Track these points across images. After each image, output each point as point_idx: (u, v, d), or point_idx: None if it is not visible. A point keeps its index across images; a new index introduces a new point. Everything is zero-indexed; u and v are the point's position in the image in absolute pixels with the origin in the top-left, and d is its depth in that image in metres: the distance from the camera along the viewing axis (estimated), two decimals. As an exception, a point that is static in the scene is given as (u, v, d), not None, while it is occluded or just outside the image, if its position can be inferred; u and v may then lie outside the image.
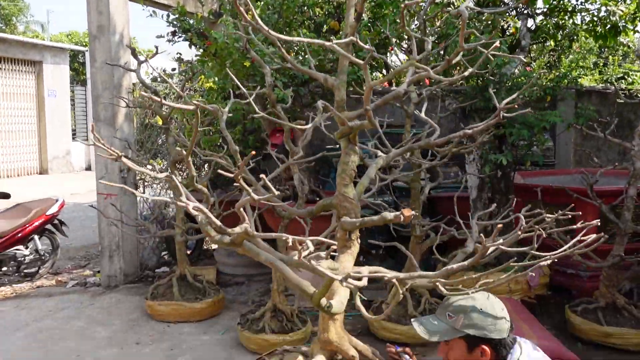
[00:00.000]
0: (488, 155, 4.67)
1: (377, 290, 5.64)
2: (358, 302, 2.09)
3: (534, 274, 4.77)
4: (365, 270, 2.38)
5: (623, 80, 8.52)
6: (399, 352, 2.42)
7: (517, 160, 5.01)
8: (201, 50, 5.33)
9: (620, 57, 11.10)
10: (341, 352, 2.54)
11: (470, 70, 2.47)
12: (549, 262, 2.07)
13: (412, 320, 2.17)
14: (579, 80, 6.43)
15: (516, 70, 4.97)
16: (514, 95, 2.74)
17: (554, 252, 2.08)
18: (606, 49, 10.53)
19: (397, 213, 1.91)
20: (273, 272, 4.46)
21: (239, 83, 2.96)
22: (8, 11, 24.74)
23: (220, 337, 4.67)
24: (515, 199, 5.05)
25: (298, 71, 2.45)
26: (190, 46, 5.38)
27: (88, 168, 17.30)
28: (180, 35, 5.60)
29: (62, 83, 16.71)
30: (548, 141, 4.78)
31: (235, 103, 5.97)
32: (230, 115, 5.87)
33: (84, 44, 19.86)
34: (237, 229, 2.03)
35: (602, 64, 9.94)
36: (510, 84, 4.58)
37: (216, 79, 6.32)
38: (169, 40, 5.54)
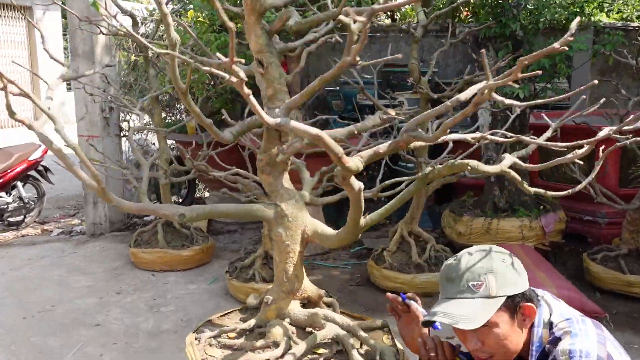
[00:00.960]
0: (503, 88, 4.19)
1: (377, 239, 5.29)
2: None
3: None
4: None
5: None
6: (407, 301, 1.80)
7: (535, 96, 4.53)
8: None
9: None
10: (310, 298, 2.18)
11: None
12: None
13: (425, 319, 1.58)
14: (600, 12, 5.87)
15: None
16: None
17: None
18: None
19: (381, 113, 1.48)
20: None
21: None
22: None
23: (208, 286, 4.33)
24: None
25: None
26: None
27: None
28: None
29: (54, 30, 16.05)
30: (570, 70, 4.28)
31: (224, 36, 5.51)
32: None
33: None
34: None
35: (620, 2, 9.32)
36: (531, 5, 4.07)
37: (205, 13, 5.81)
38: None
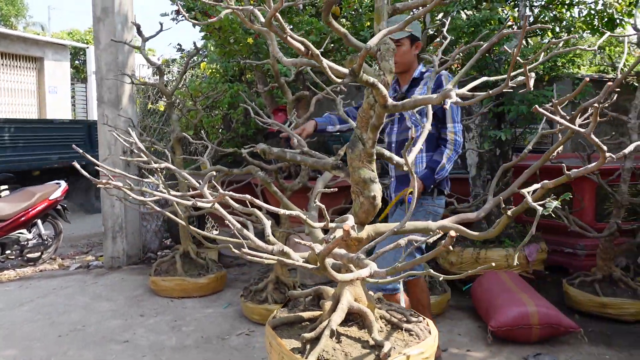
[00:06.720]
0: (487, 132, 4.75)
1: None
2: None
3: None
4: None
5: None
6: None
7: (516, 139, 5.09)
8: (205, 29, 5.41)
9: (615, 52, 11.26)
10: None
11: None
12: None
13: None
14: (576, 64, 6.52)
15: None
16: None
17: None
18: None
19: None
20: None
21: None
22: (5, 12, 24.56)
23: (223, 310, 4.73)
24: (513, 178, 5.15)
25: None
26: (194, 25, 5.46)
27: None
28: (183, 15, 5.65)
29: (63, 80, 16.75)
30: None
31: (237, 85, 6.10)
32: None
33: (86, 41, 19.96)
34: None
35: (597, 56, 10.10)
36: (511, 59, 4.66)
37: (218, 65, 6.41)
38: (173, 19, 5.62)
